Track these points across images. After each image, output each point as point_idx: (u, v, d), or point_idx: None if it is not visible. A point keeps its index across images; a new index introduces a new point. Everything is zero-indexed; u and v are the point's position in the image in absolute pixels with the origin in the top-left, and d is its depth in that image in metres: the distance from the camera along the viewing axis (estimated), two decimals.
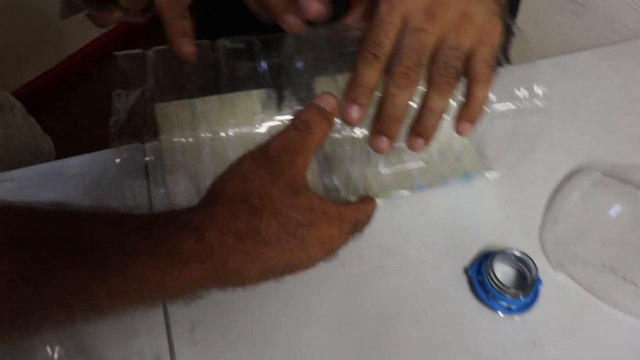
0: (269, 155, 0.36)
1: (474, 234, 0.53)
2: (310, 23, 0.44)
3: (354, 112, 0.38)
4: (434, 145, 0.52)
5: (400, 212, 0.54)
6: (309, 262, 0.36)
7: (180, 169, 0.45)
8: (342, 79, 0.46)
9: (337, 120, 0.41)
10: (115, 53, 0.46)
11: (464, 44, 0.38)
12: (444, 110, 0.39)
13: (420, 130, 0.39)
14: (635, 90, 0.65)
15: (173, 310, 0.48)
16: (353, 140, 0.43)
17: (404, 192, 0.53)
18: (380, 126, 0.39)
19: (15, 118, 0.91)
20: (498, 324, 0.48)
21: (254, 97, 0.46)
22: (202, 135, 0.43)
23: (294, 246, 0.35)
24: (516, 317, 0.48)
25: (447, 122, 0.42)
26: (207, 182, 0.37)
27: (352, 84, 0.39)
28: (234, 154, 0.41)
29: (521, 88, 0.45)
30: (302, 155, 0.37)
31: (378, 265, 0.51)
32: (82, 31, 1.57)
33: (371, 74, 0.38)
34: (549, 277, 0.50)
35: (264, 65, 0.46)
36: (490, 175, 0.53)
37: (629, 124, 0.62)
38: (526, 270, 0.49)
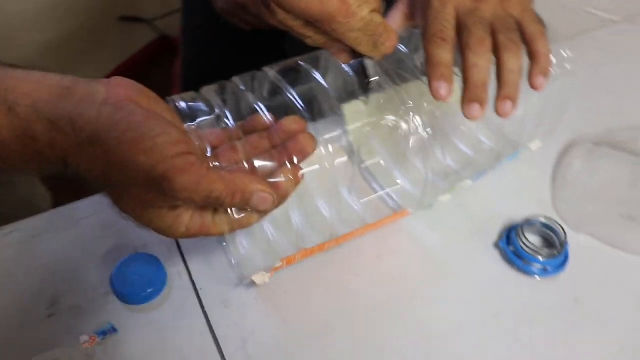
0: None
1: (493, 213, 0.55)
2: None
3: (443, 88, 0.41)
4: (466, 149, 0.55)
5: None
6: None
7: None
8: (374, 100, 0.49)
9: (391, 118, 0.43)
10: (168, 98, 0.46)
11: (513, 14, 0.44)
12: (521, 69, 0.42)
13: (507, 92, 0.42)
14: (603, 72, 0.71)
15: (220, 332, 0.47)
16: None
17: (447, 197, 0.55)
18: (470, 95, 0.42)
19: None
20: (538, 287, 0.49)
21: None
22: None
23: None
24: (553, 278, 0.50)
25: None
26: None
27: (434, 65, 0.42)
28: None
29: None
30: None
31: (409, 256, 0.53)
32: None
33: (446, 54, 0.42)
34: (572, 240, 0.52)
35: (295, 93, 0.47)
36: (534, 145, 0.56)
37: (605, 101, 0.67)
38: (552, 234, 0.51)
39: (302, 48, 0.52)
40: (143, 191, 0.34)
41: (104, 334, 0.46)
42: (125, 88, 0.35)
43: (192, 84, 0.73)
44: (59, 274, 0.51)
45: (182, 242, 0.53)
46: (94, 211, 0.56)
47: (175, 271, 0.51)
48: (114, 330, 0.46)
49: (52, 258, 0.53)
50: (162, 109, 0.37)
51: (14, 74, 0.34)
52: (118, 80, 0.36)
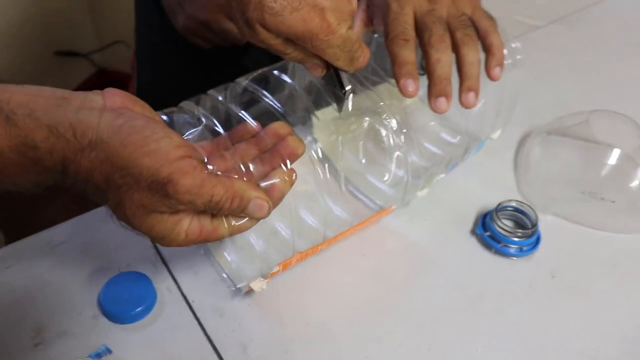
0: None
1: (466, 203, 0.58)
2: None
3: (411, 85, 0.45)
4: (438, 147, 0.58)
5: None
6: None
7: None
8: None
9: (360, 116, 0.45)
10: None
11: (465, 11, 0.48)
12: (479, 61, 0.46)
13: (470, 84, 0.46)
14: (543, 68, 0.77)
15: (219, 341, 0.46)
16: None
17: (424, 192, 0.58)
18: (436, 89, 0.45)
19: None
20: (516, 267, 0.52)
21: None
22: None
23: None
24: (529, 257, 0.53)
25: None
26: None
27: (399, 64, 0.45)
28: None
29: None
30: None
31: (395, 251, 0.54)
32: None
33: (410, 54, 0.45)
34: (540, 220, 0.55)
35: (273, 100, 0.49)
36: (495, 135, 0.60)
37: (549, 94, 0.72)
38: (523, 216, 0.55)
39: (261, 62, 0.54)
40: (145, 195, 0.34)
41: (98, 356, 0.45)
42: (121, 97, 0.36)
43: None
44: (39, 302, 0.49)
45: (167, 257, 0.52)
46: (68, 236, 0.54)
47: (164, 286, 0.50)
48: (108, 351, 0.45)
49: (30, 287, 0.51)
50: (156, 119, 0.38)
51: (6, 87, 0.34)
52: (113, 90, 0.36)
